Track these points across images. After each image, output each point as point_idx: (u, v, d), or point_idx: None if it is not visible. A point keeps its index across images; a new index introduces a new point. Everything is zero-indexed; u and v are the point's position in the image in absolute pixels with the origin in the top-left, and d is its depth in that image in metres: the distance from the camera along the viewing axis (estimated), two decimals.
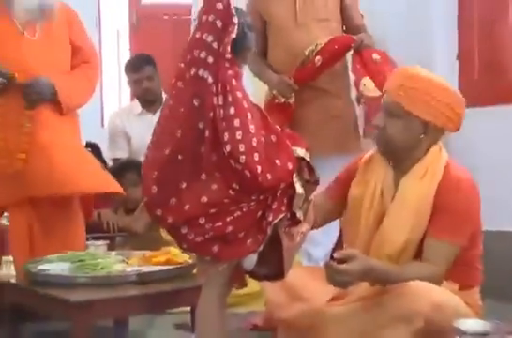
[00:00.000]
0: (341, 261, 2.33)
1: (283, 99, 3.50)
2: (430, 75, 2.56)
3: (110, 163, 4.24)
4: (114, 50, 5.65)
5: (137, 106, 4.44)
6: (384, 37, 3.87)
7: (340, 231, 3.65)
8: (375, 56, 3.47)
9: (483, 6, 3.82)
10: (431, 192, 2.49)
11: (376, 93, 3.53)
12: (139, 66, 4.40)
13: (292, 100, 3.50)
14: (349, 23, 3.67)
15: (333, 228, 3.70)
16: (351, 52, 3.58)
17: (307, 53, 3.46)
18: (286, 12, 3.60)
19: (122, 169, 3.92)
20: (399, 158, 2.57)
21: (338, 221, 3.67)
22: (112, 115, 4.73)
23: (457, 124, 2.57)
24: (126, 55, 5.47)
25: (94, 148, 4.01)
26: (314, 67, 3.47)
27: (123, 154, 4.33)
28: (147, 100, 4.33)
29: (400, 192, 2.54)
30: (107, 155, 4.33)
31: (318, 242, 3.51)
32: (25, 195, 3.04)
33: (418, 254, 2.49)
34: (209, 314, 2.19)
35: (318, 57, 3.45)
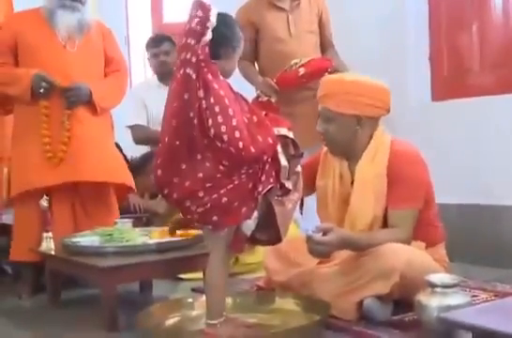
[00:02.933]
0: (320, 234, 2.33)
1: (265, 98, 3.46)
2: (351, 77, 2.56)
3: (129, 156, 4.13)
4: (141, 63, 5.62)
5: (155, 80, 4.31)
6: (365, 41, 3.86)
7: None
8: None
9: (450, 15, 3.77)
10: (383, 168, 2.47)
11: None
12: (158, 41, 4.28)
13: (273, 99, 3.46)
14: (322, 39, 3.68)
15: None
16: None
17: (292, 63, 3.45)
18: (280, 24, 3.57)
19: (145, 160, 3.88)
20: (347, 151, 2.55)
21: None
22: (134, 88, 4.59)
23: (385, 108, 2.52)
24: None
25: (117, 146, 3.96)
26: (297, 75, 3.45)
27: (142, 121, 4.18)
28: (163, 74, 4.19)
29: (358, 176, 2.52)
30: (127, 123, 4.20)
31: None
32: (66, 181, 3.06)
33: (385, 224, 2.48)
34: (215, 273, 2.16)
35: (301, 68, 3.44)
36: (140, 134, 4.15)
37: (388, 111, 2.53)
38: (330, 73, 3.53)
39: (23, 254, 3.06)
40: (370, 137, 2.52)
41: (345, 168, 2.56)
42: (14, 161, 3.20)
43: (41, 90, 3.06)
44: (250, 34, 3.46)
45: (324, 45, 3.68)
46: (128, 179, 3.30)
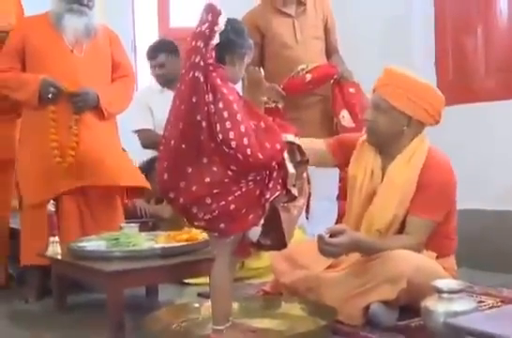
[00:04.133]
0: (332, 235, 2.32)
1: (273, 104, 3.47)
2: (414, 76, 2.53)
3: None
4: (147, 68, 5.63)
5: (157, 85, 4.31)
6: (370, 46, 3.86)
7: (338, 215, 3.63)
8: (351, 90, 3.52)
9: (456, 20, 3.78)
10: (415, 174, 2.46)
11: (351, 125, 3.50)
12: (153, 54, 4.26)
13: (280, 105, 3.47)
14: (327, 44, 3.69)
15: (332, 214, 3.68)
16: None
17: (299, 68, 3.47)
18: (286, 30, 3.58)
19: (151, 165, 3.87)
20: (385, 146, 2.54)
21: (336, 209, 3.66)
22: (138, 93, 4.48)
23: (436, 119, 2.53)
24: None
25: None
26: (304, 81, 3.48)
27: (148, 126, 4.17)
28: (162, 84, 4.22)
29: (388, 175, 2.51)
30: (133, 127, 4.20)
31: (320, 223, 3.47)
32: (76, 186, 3.09)
33: (402, 229, 2.48)
34: (221, 278, 2.16)
35: (308, 75, 3.47)
36: (147, 138, 4.15)
37: (437, 122, 2.53)
38: (335, 80, 3.55)
39: (32, 259, 3.05)
40: (411, 141, 2.52)
41: (378, 165, 2.55)
42: (21, 166, 3.20)
43: (49, 95, 3.07)
44: (256, 39, 3.47)
45: (330, 51, 3.69)
46: (140, 181, 3.29)
